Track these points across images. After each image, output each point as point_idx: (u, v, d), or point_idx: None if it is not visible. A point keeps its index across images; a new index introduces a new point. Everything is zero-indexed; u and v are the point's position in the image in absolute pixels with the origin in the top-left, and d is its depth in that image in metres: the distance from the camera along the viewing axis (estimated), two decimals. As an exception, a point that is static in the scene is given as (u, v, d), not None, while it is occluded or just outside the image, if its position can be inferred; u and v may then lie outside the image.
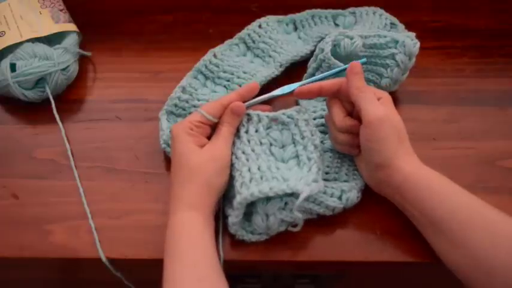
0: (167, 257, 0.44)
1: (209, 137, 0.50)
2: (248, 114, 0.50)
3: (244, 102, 0.50)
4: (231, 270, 0.46)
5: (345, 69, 0.54)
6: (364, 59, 0.53)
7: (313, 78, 0.55)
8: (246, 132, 0.50)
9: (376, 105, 0.46)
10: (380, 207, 0.51)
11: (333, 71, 0.54)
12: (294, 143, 0.50)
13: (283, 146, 0.50)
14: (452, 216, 0.43)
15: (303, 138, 0.50)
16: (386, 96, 0.49)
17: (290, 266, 0.50)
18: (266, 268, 0.52)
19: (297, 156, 0.49)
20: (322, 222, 0.50)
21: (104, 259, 0.48)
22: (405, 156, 0.46)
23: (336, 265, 0.50)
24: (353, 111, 0.50)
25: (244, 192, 0.45)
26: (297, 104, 0.58)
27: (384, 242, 0.49)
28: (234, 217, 0.46)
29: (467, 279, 0.43)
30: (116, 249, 0.49)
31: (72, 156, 0.55)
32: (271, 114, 0.51)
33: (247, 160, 0.47)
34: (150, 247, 0.49)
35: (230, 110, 0.49)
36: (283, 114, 0.51)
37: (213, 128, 0.50)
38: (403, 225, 0.49)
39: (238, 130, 0.50)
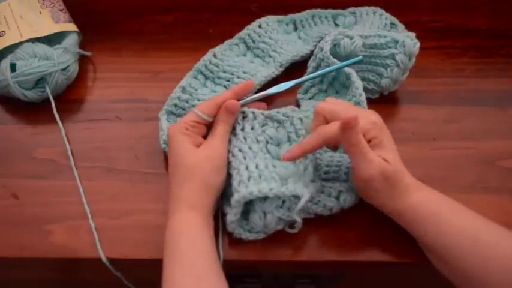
0: (166, 257, 0.44)
1: (205, 137, 0.50)
2: (243, 112, 0.50)
3: (239, 100, 0.51)
4: (230, 270, 0.46)
5: (343, 67, 0.54)
6: (361, 57, 0.54)
7: (311, 75, 0.55)
8: (242, 129, 0.50)
9: (368, 161, 0.45)
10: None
11: (331, 67, 0.54)
12: (289, 141, 0.50)
13: (278, 144, 0.50)
14: (444, 246, 0.44)
15: (298, 136, 0.50)
16: (377, 132, 0.46)
17: (290, 266, 0.50)
18: (266, 268, 0.52)
19: None
20: (322, 222, 0.50)
21: (104, 259, 0.48)
22: (398, 197, 0.46)
23: (336, 265, 0.50)
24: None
25: (243, 190, 0.45)
26: (297, 104, 0.59)
27: (384, 242, 0.49)
28: (232, 215, 0.46)
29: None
30: (116, 249, 0.49)
31: (72, 156, 0.55)
32: (266, 112, 0.51)
33: (245, 158, 0.47)
34: (150, 247, 0.49)
35: (225, 109, 0.49)
36: (278, 112, 0.51)
37: (209, 128, 0.50)
38: (402, 226, 0.49)
39: (234, 128, 0.50)
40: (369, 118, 0.47)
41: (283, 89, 0.53)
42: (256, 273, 0.57)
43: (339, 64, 0.54)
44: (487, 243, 0.43)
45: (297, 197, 0.47)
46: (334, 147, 0.50)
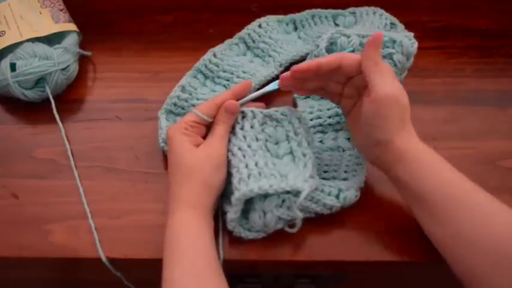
0: (166, 257, 0.44)
1: (204, 137, 0.50)
2: (242, 112, 0.51)
3: (237, 100, 0.51)
4: (231, 270, 0.46)
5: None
6: (352, 48, 0.54)
7: None
8: (241, 128, 0.50)
9: (390, 81, 0.45)
10: (380, 206, 0.51)
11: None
12: (288, 139, 0.50)
13: (277, 143, 0.50)
14: (436, 191, 0.44)
15: (296, 134, 0.50)
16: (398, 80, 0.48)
17: (290, 266, 0.50)
18: (266, 268, 0.52)
19: (291, 152, 0.49)
20: (322, 222, 0.50)
21: (104, 259, 0.48)
22: (405, 135, 0.46)
23: (336, 265, 0.50)
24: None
25: (243, 188, 0.45)
26: (294, 103, 0.59)
27: (384, 242, 0.49)
28: (232, 213, 0.46)
29: (447, 254, 0.44)
30: (116, 249, 0.49)
31: (72, 156, 0.55)
32: (265, 111, 0.51)
33: (244, 156, 0.48)
34: (150, 247, 0.49)
35: (224, 109, 0.49)
36: (277, 111, 0.51)
37: (208, 128, 0.50)
38: (403, 225, 0.49)
39: (233, 127, 0.50)
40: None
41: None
42: (256, 273, 0.57)
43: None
44: (479, 202, 0.43)
45: (297, 196, 0.47)
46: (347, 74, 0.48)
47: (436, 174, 0.44)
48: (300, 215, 0.47)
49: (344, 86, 0.49)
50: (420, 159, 0.45)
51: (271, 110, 0.51)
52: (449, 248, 0.44)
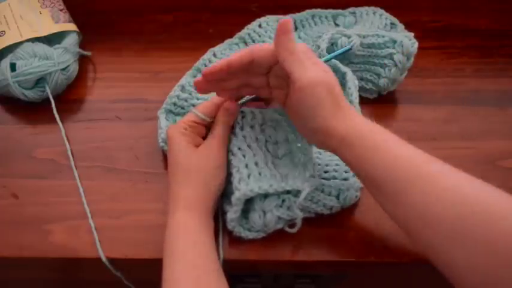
0: (166, 257, 0.44)
1: (204, 137, 0.50)
2: (242, 112, 0.51)
3: (237, 100, 0.51)
4: (230, 270, 0.46)
5: (332, 58, 0.55)
6: (349, 46, 0.54)
7: None
8: (241, 129, 0.50)
9: (310, 67, 0.42)
10: (380, 206, 0.51)
11: (321, 60, 0.54)
12: (287, 139, 0.50)
13: (277, 143, 0.50)
14: (384, 174, 0.40)
15: (296, 135, 0.50)
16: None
17: (290, 266, 0.50)
18: (266, 268, 0.52)
19: (291, 152, 0.49)
20: (322, 222, 0.50)
21: (104, 259, 0.48)
22: (342, 118, 0.42)
23: (336, 265, 0.50)
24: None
25: (243, 188, 0.45)
26: None
27: (384, 242, 0.49)
28: (232, 213, 0.46)
29: (407, 232, 0.41)
30: (116, 249, 0.49)
31: (72, 156, 0.55)
32: (264, 111, 0.51)
33: (244, 156, 0.48)
34: (150, 247, 0.49)
35: (224, 109, 0.49)
36: (275, 111, 0.51)
37: (208, 128, 0.50)
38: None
39: (233, 127, 0.50)
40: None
41: None
42: (256, 273, 0.57)
43: (328, 56, 0.54)
44: (430, 174, 0.39)
45: (297, 196, 0.47)
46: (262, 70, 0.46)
47: (381, 156, 0.41)
48: (300, 215, 0.47)
49: (268, 78, 0.47)
50: (363, 143, 0.42)
51: (271, 110, 0.51)
52: (405, 225, 0.41)
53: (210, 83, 0.46)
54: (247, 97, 0.52)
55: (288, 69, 0.42)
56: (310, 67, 0.42)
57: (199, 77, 0.46)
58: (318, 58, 0.44)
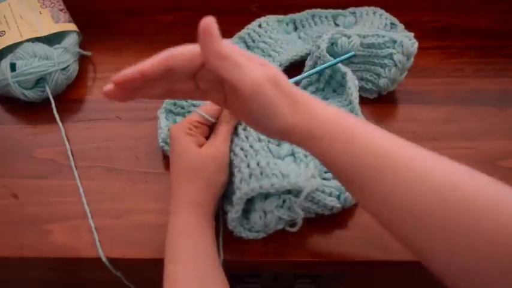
0: (167, 257, 0.44)
1: (207, 137, 0.50)
2: None
3: None
4: (231, 270, 0.46)
5: (335, 63, 0.55)
6: (353, 53, 0.54)
7: (305, 74, 0.55)
8: (244, 129, 0.50)
9: (246, 68, 0.36)
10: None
11: (323, 66, 0.55)
12: None
13: (279, 144, 0.50)
14: (354, 162, 0.37)
15: None
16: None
17: (290, 266, 0.50)
18: (266, 268, 0.52)
19: (293, 153, 0.49)
20: (322, 222, 0.50)
21: (104, 259, 0.48)
22: (302, 112, 0.38)
23: (336, 265, 0.50)
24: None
25: (245, 187, 0.45)
26: None
27: (384, 242, 0.49)
28: (233, 213, 0.46)
29: (384, 225, 0.40)
30: (116, 249, 0.49)
31: (72, 156, 0.55)
32: None
33: (246, 156, 0.48)
34: (150, 247, 0.49)
35: (227, 110, 0.49)
36: None
37: (211, 128, 0.50)
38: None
39: (235, 128, 0.50)
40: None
41: None
42: (256, 273, 0.57)
43: (331, 62, 0.54)
44: (423, 170, 0.36)
45: (297, 196, 0.47)
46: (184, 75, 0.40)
47: (346, 148, 0.37)
48: (301, 214, 0.47)
49: (196, 81, 0.41)
50: (326, 134, 0.38)
51: None
52: (380, 218, 0.39)
53: (125, 91, 0.39)
54: None
55: (224, 76, 0.37)
56: (247, 68, 0.37)
57: (108, 85, 0.39)
58: (246, 51, 0.40)
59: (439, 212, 0.34)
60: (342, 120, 0.39)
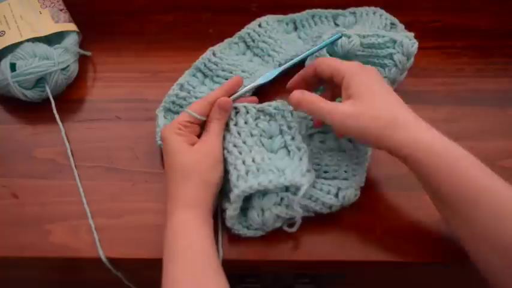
0: (166, 256, 0.44)
1: (199, 136, 0.50)
2: (235, 107, 0.51)
3: (230, 96, 0.51)
4: (230, 269, 0.46)
5: (322, 47, 0.55)
6: (339, 34, 0.54)
7: (295, 60, 0.55)
8: (235, 124, 0.50)
9: (328, 114, 0.46)
10: (380, 206, 0.51)
11: (312, 49, 0.55)
12: (281, 133, 0.51)
13: (271, 137, 0.51)
14: (458, 195, 0.41)
15: (290, 128, 0.50)
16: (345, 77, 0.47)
17: (290, 265, 0.50)
18: (266, 268, 0.52)
19: (286, 146, 0.50)
20: (322, 222, 0.50)
21: (104, 259, 0.48)
22: (401, 136, 0.43)
23: (336, 265, 0.50)
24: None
25: (242, 185, 0.45)
26: None
27: (384, 242, 0.49)
28: (231, 210, 0.46)
29: (473, 253, 0.42)
30: (116, 249, 0.49)
31: (72, 156, 0.55)
32: (258, 105, 0.51)
33: (240, 153, 0.48)
34: (150, 247, 0.49)
35: (217, 106, 0.49)
36: (269, 106, 0.51)
37: (202, 126, 0.50)
38: (403, 225, 0.49)
39: (227, 124, 0.50)
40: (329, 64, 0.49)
41: (270, 77, 0.54)
42: (256, 273, 0.57)
43: (318, 45, 0.54)
44: (499, 195, 0.40)
45: (295, 194, 0.47)
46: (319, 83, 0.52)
47: (454, 177, 0.42)
48: (299, 212, 0.47)
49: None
50: (426, 162, 0.42)
51: (264, 105, 0.51)
52: (471, 247, 0.42)
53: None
54: (240, 92, 0.52)
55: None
56: (328, 112, 0.46)
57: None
58: (351, 78, 0.46)
59: None
60: (441, 147, 0.43)
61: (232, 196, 0.46)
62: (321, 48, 0.55)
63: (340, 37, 0.54)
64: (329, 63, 0.48)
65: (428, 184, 0.44)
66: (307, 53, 0.55)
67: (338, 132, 0.50)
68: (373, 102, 0.45)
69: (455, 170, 0.42)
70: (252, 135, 0.50)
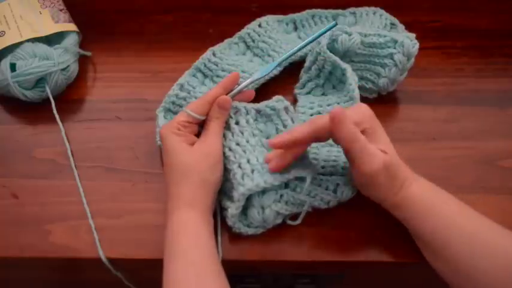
0: (166, 256, 0.44)
1: (197, 135, 0.50)
2: (235, 107, 0.51)
3: (228, 93, 0.51)
4: (230, 270, 0.46)
5: (318, 36, 0.55)
6: (334, 22, 0.54)
7: (291, 51, 0.55)
8: (237, 123, 0.50)
9: (371, 156, 0.44)
10: (379, 206, 0.51)
11: (308, 39, 0.54)
12: (277, 132, 0.51)
13: (268, 137, 0.51)
14: (433, 234, 0.44)
15: (285, 126, 0.50)
16: (370, 122, 0.46)
17: (290, 266, 0.50)
18: (266, 268, 0.52)
19: None
20: (322, 222, 0.50)
21: (104, 259, 0.48)
22: (400, 190, 0.45)
23: (336, 265, 0.50)
24: None
25: (249, 183, 0.45)
26: (295, 99, 0.59)
27: (384, 242, 0.49)
28: (234, 209, 0.46)
29: (451, 283, 0.45)
30: (116, 249, 0.49)
31: (72, 156, 0.55)
32: (256, 106, 0.51)
33: (244, 152, 0.48)
34: (150, 247, 0.49)
35: (217, 105, 0.49)
36: (266, 106, 0.51)
37: (201, 126, 0.50)
38: (402, 225, 0.49)
39: (227, 123, 0.50)
40: (359, 109, 0.46)
41: (266, 72, 0.54)
42: (256, 273, 0.57)
43: (314, 35, 0.54)
44: (485, 242, 0.43)
45: (295, 190, 0.47)
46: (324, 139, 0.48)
47: (432, 229, 0.45)
48: (308, 201, 0.48)
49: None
50: (414, 208, 0.45)
51: (261, 105, 0.52)
52: (451, 281, 0.45)
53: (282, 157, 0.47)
54: (237, 88, 0.52)
55: (352, 158, 0.44)
56: (372, 155, 0.44)
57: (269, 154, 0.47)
58: (379, 130, 0.46)
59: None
60: (427, 198, 0.46)
61: (236, 194, 0.46)
62: (316, 38, 0.55)
63: (335, 25, 0.54)
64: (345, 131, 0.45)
65: (411, 227, 0.47)
66: (302, 43, 0.55)
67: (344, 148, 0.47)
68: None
69: (432, 214, 0.45)
70: (253, 135, 0.50)
